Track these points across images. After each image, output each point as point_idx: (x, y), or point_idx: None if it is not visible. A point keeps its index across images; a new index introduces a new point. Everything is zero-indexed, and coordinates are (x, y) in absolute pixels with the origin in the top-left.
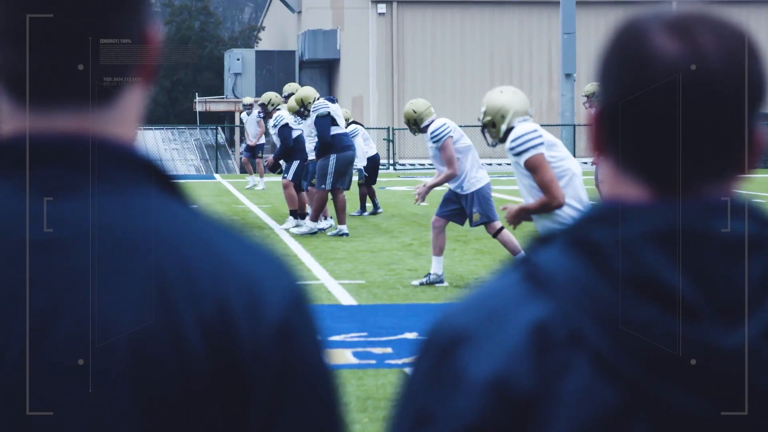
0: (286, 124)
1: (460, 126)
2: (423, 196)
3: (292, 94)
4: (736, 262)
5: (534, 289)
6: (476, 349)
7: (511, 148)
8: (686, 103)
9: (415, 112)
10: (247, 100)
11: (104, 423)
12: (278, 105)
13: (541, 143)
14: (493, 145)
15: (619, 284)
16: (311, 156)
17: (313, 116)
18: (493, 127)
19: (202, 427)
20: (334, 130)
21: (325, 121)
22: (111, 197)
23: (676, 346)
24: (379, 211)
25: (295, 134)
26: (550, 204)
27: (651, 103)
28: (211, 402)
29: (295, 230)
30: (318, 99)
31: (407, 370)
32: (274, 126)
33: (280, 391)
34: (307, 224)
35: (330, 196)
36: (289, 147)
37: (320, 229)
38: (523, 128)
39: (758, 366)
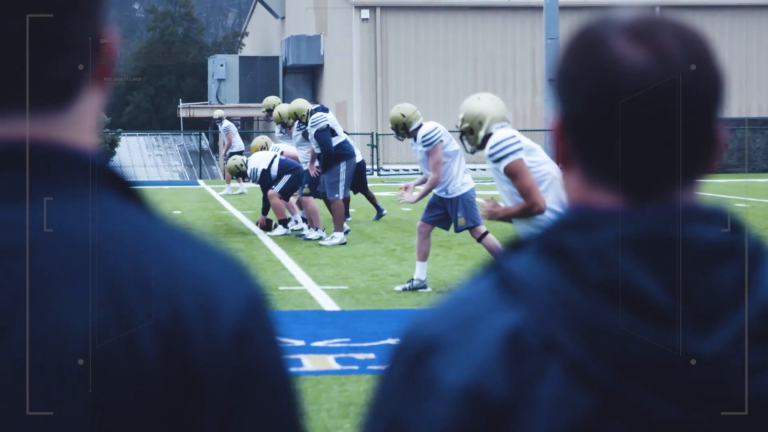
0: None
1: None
2: (415, 200)
3: (272, 109)
4: (710, 268)
5: (507, 295)
6: (449, 357)
7: (490, 155)
8: (656, 108)
9: (403, 116)
10: (218, 113)
11: (58, 427)
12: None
13: (520, 149)
14: (472, 152)
15: (591, 290)
16: (305, 166)
17: (312, 130)
18: (471, 134)
19: (156, 431)
20: (336, 140)
21: (327, 134)
22: (64, 203)
23: (650, 352)
24: (384, 213)
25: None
26: (530, 209)
27: (619, 111)
28: (165, 406)
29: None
30: (314, 112)
31: (379, 376)
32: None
33: (237, 396)
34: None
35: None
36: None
37: (307, 238)
38: (501, 135)
39: (732, 372)
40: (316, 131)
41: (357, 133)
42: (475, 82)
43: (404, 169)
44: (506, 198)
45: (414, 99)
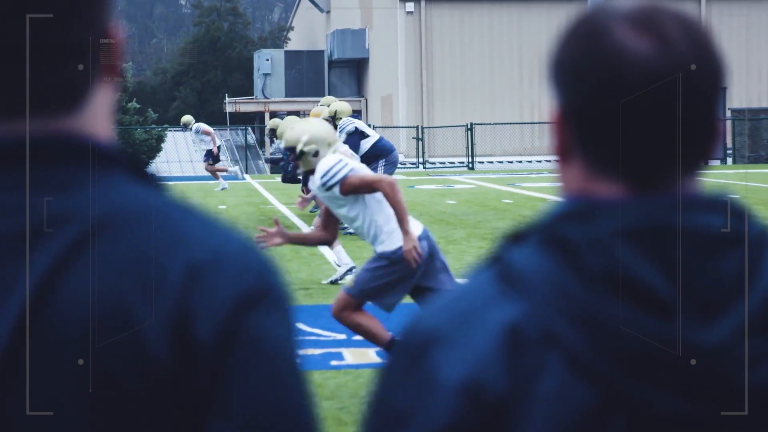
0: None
1: (490, 124)
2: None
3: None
4: (712, 258)
5: (506, 289)
6: (449, 351)
7: (323, 184)
8: (661, 97)
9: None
10: (185, 119)
11: (51, 386)
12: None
13: (350, 168)
14: (298, 176)
15: (592, 282)
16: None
17: (343, 136)
18: (302, 157)
19: (152, 387)
20: (369, 140)
21: (355, 138)
22: (83, 189)
23: (652, 344)
24: None
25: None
26: (387, 190)
27: (625, 100)
28: (165, 374)
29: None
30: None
31: (380, 369)
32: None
33: (229, 359)
34: None
35: None
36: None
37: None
38: (327, 162)
39: (735, 364)
40: (347, 135)
41: (402, 127)
42: (520, 74)
43: (450, 162)
44: (350, 221)
45: (459, 92)
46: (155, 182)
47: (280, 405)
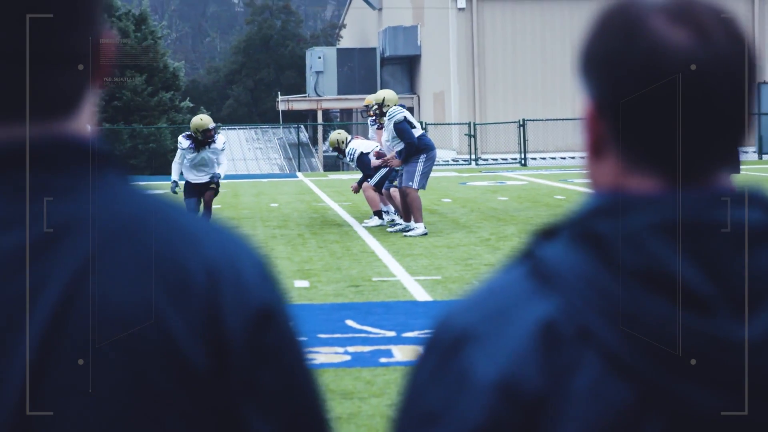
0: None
1: (542, 120)
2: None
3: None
4: (750, 252)
5: (540, 285)
6: (483, 349)
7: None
8: (700, 89)
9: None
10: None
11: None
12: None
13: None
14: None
15: (627, 278)
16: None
17: (390, 124)
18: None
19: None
20: (414, 133)
21: (405, 125)
22: (80, 193)
23: (688, 341)
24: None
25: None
26: None
27: (664, 93)
28: (195, 381)
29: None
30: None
31: (411, 367)
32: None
33: (257, 371)
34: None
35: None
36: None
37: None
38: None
39: None
40: (395, 123)
41: (454, 123)
42: (572, 69)
43: (502, 159)
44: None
45: (511, 88)
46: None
47: (308, 400)
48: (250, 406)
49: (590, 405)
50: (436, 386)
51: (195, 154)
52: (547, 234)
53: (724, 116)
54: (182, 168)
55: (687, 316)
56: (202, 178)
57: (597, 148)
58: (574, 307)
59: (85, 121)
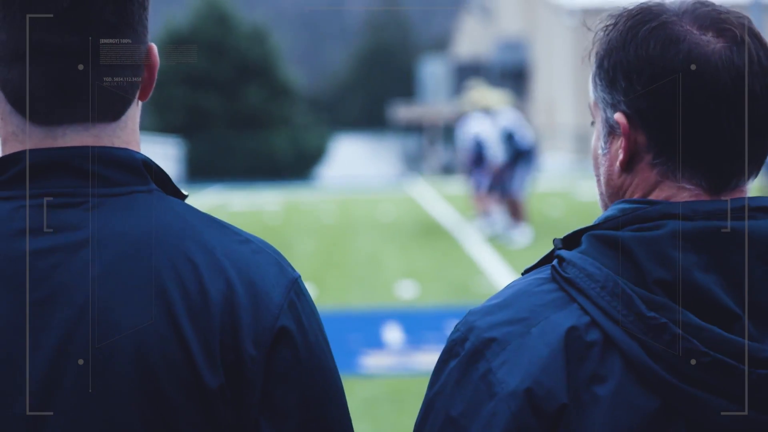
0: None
1: None
2: None
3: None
4: None
5: (564, 293)
6: (506, 356)
7: None
8: (736, 99)
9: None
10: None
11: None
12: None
13: None
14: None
15: (652, 287)
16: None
17: (498, 124)
18: None
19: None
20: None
21: (508, 131)
22: (116, 203)
23: (714, 351)
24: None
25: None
26: None
27: (704, 101)
28: (212, 394)
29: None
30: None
31: (433, 372)
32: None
33: (276, 383)
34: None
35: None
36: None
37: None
38: None
39: None
40: (503, 128)
41: (565, 132)
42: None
43: None
44: None
45: None
46: (184, 198)
47: (326, 418)
48: (264, 423)
49: (614, 413)
50: (458, 394)
51: None
52: (571, 241)
53: (761, 126)
54: None
55: (710, 327)
56: None
57: (629, 159)
58: (598, 316)
59: (130, 131)
